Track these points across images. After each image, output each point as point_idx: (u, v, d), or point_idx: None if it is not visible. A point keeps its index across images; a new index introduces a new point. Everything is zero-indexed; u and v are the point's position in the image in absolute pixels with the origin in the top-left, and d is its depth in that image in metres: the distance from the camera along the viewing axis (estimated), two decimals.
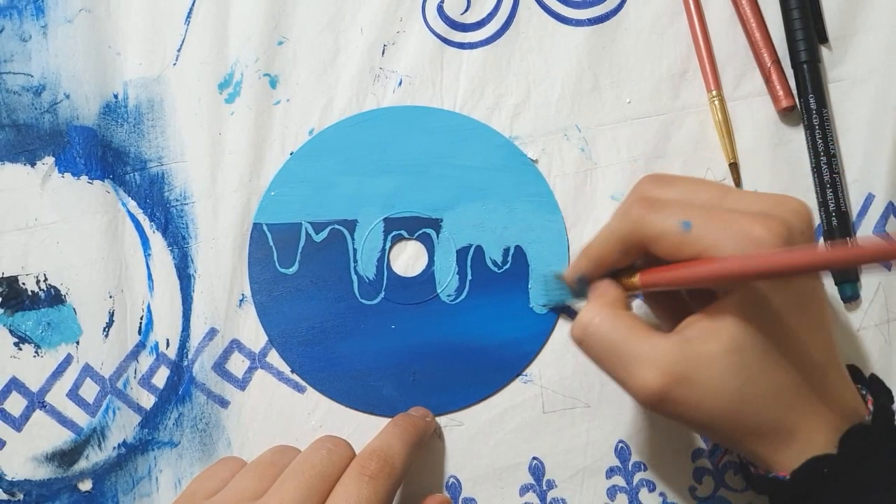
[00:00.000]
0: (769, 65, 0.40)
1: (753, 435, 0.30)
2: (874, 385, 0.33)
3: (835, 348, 0.31)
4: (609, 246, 0.33)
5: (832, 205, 0.39)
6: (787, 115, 0.40)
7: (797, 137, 0.40)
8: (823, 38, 0.40)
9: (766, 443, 0.30)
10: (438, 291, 0.39)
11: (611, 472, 0.38)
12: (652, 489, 0.38)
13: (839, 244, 0.27)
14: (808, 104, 0.39)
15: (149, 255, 0.40)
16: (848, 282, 0.39)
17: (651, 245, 0.31)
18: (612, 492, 0.38)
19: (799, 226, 0.29)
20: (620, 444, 0.38)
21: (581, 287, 0.35)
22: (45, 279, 0.40)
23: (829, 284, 0.39)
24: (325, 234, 0.40)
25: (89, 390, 0.39)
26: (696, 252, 0.29)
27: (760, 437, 0.30)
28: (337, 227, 0.40)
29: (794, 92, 0.40)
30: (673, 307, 0.35)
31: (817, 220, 0.39)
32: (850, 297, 0.39)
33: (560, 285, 0.37)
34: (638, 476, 0.38)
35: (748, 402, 0.29)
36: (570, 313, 0.39)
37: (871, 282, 0.39)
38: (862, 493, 0.29)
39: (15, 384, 0.39)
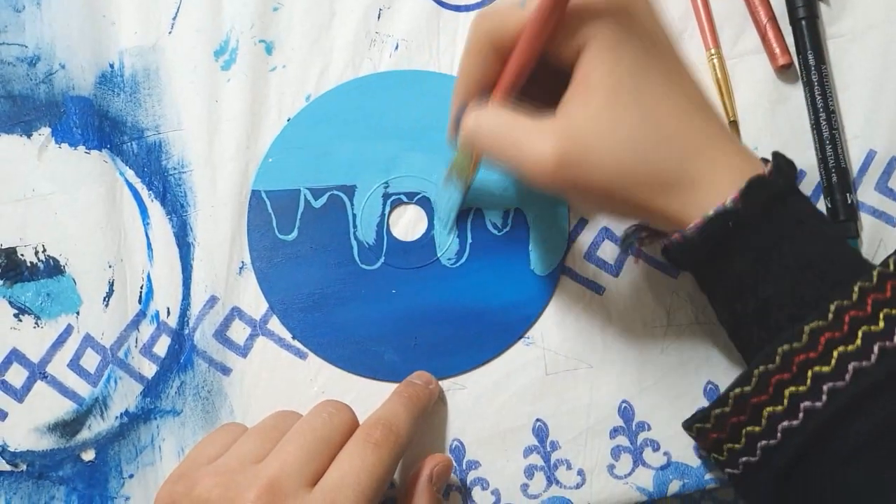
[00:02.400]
0: (765, 22, 0.40)
1: (657, 188, 0.30)
2: (776, 155, 0.32)
3: (711, 104, 0.32)
4: (469, 62, 0.32)
5: (832, 161, 0.39)
6: (786, 72, 0.40)
7: (796, 94, 0.40)
8: None
9: (673, 195, 0.30)
10: (439, 255, 0.39)
11: (614, 432, 0.38)
12: (656, 449, 0.38)
13: None
14: (807, 61, 0.39)
15: (147, 224, 0.40)
16: (848, 238, 0.39)
17: (501, 37, 0.31)
18: (616, 452, 0.38)
19: None
20: (624, 405, 0.38)
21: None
22: (44, 250, 0.39)
23: None
24: (323, 199, 0.39)
25: (90, 360, 0.39)
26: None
27: (665, 190, 0.30)
28: (336, 192, 0.40)
29: (793, 49, 0.40)
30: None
31: (817, 178, 0.39)
32: None
33: (449, 182, 0.37)
34: (642, 436, 0.38)
35: (642, 151, 0.30)
36: (570, 273, 0.39)
37: (872, 239, 0.39)
38: (771, 244, 0.30)
39: (16, 355, 0.39)
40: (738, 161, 0.31)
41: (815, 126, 0.39)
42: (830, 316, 0.29)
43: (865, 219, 0.39)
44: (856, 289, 0.29)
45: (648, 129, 0.30)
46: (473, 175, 0.37)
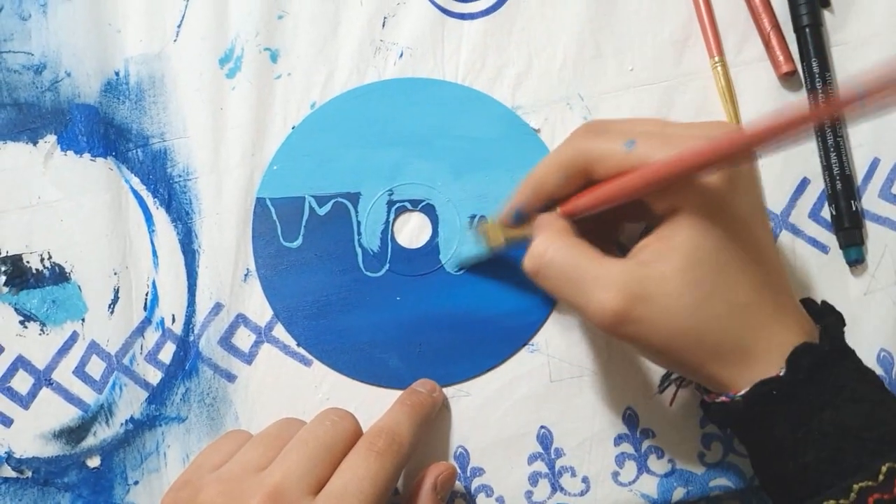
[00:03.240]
0: (769, 30, 0.40)
1: (713, 356, 0.30)
2: (825, 310, 0.33)
3: (785, 273, 0.32)
4: (550, 171, 0.33)
5: (836, 168, 0.39)
6: (790, 79, 0.40)
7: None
8: (825, 2, 0.40)
9: (726, 364, 0.30)
10: (443, 262, 0.39)
11: (619, 439, 0.38)
12: (661, 456, 0.38)
13: (760, 121, 0.26)
14: (811, 68, 0.39)
15: (153, 231, 0.40)
16: (853, 245, 0.39)
17: (594, 167, 0.31)
18: (620, 459, 0.38)
19: None
20: (628, 412, 0.38)
21: (517, 221, 0.35)
22: (50, 257, 0.40)
23: (834, 248, 0.39)
24: (328, 207, 0.40)
25: (96, 367, 0.39)
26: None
27: (720, 358, 0.30)
28: (340, 200, 0.40)
29: (797, 56, 0.40)
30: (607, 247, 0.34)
31: (822, 185, 0.39)
32: (855, 260, 0.39)
33: (476, 236, 0.38)
34: (646, 443, 0.38)
35: (707, 320, 0.30)
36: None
37: (877, 246, 0.39)
38: (811, 412, 0.29)
39: (21, 362, 0.39)
40: (795, 333, 0.30)
41: (820, 133, 0.39)
42: (881, 477, 0.28)
43: (870, 226, 0.39)
44: None
45: (718, 301, 0.30)
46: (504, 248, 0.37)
